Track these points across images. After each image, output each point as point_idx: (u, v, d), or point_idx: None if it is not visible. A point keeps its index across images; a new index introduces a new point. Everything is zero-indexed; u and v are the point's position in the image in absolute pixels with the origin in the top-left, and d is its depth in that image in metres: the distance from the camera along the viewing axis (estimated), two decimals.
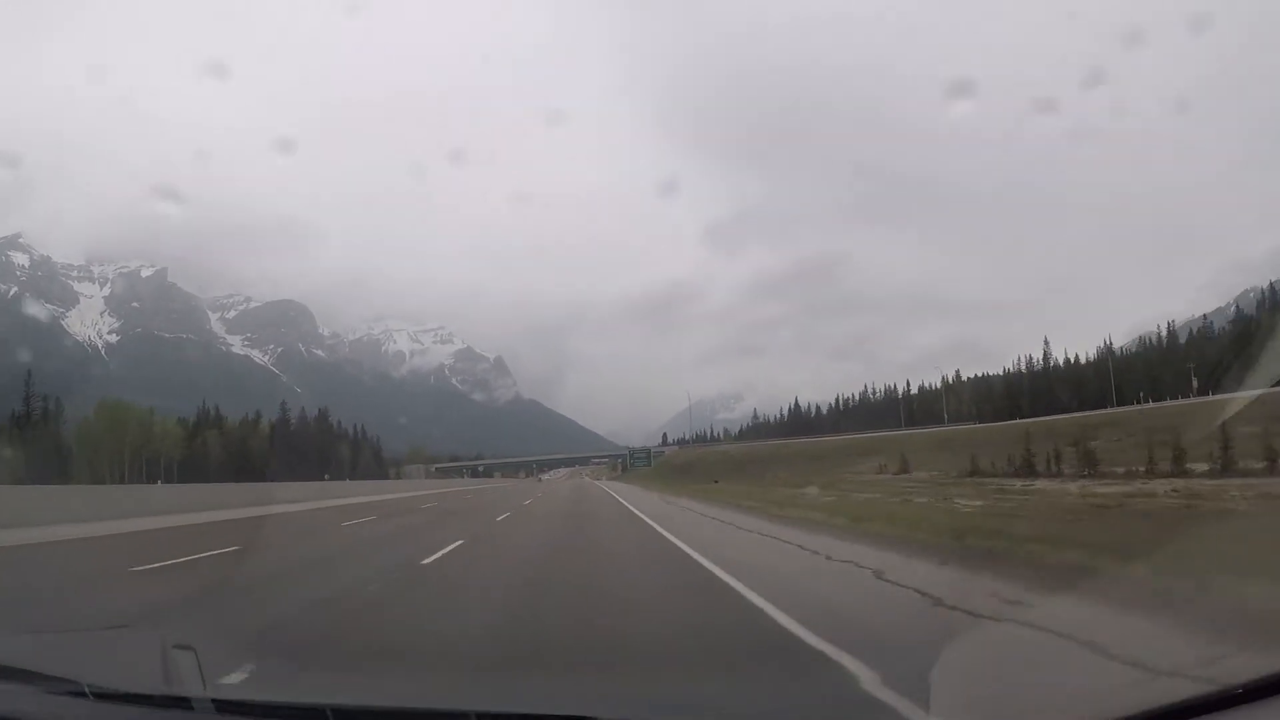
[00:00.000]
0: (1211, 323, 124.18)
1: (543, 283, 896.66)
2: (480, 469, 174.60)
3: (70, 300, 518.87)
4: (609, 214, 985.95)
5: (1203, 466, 32.08)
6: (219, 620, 7.70)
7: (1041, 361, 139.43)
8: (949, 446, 73.45)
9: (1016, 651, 5.55)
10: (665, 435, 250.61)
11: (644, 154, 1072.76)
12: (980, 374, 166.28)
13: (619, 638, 6.71)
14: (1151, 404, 77.67)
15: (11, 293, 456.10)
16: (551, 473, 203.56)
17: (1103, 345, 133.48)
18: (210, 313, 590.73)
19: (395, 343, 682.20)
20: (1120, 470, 35.28)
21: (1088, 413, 78.96)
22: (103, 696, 3.01)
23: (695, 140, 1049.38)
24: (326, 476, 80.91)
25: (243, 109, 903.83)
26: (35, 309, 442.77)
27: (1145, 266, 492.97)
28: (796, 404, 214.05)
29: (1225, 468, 29.78)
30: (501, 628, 7.16)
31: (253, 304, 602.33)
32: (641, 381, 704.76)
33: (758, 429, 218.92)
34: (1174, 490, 25.82)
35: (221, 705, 2.94)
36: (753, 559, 12.54)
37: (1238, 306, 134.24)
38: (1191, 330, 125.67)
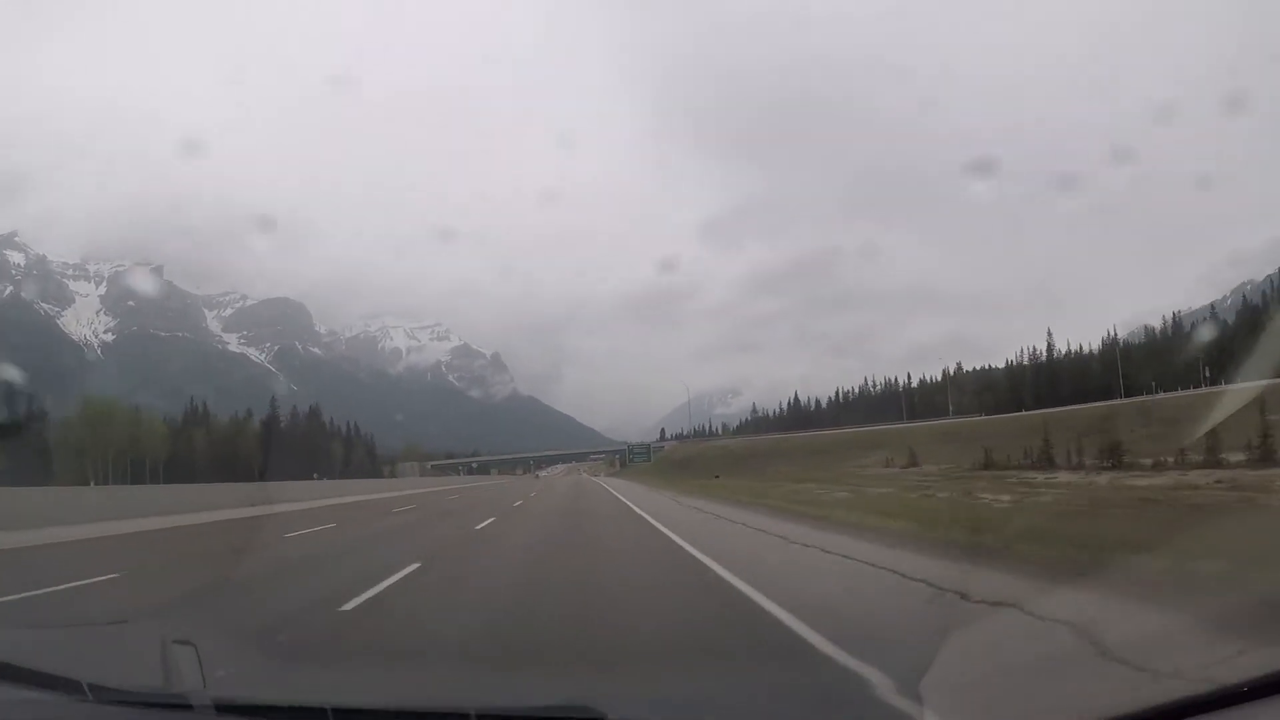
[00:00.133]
0: (1217, 313, 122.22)
1: (540, 279, 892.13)
2: (474, 466, 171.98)
3: (66, 299, 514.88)
4: (605, 210, 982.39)
5: (1238, 456, 30.35)
6: None
7: (1045, 353, 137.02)
8: (954, 439, 71.85)
9: None
10: (663, 430, 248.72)
11: (641, 149, 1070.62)
12: (978, 368, 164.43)
13: None
14: (1163, 394, 75.62)
15: (6, 292, 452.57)
16: (549, 469, 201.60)
17: (1106, 337, 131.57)
18: (206, 311, 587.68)
19: (392, 339, 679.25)
20: (1147, 462, 33.52)
21: (1098, 404, 76.91)
22: (102, 695, 3.00)
23: (692, 136, 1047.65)
24: (316, 475, 78.79)
25: (239, 105, 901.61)
26: (31, 308, 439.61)
27: (1139, 262, 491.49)
28: (796, 398, 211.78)
29: (1265, 457, 27.96)
30: None
31: (249, 302, 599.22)
32: (638, 377, 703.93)
33: (757, 423, 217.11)
34: (1218, 481, 24.01)
35: (221, 706, 2.88)
36: (790, 573, 10.45)
37: (1245, 296, 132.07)
38: (1197, 321, 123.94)
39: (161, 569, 13.79)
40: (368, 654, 6.29)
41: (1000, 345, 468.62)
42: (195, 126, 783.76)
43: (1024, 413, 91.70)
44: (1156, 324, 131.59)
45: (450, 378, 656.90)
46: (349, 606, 8.30)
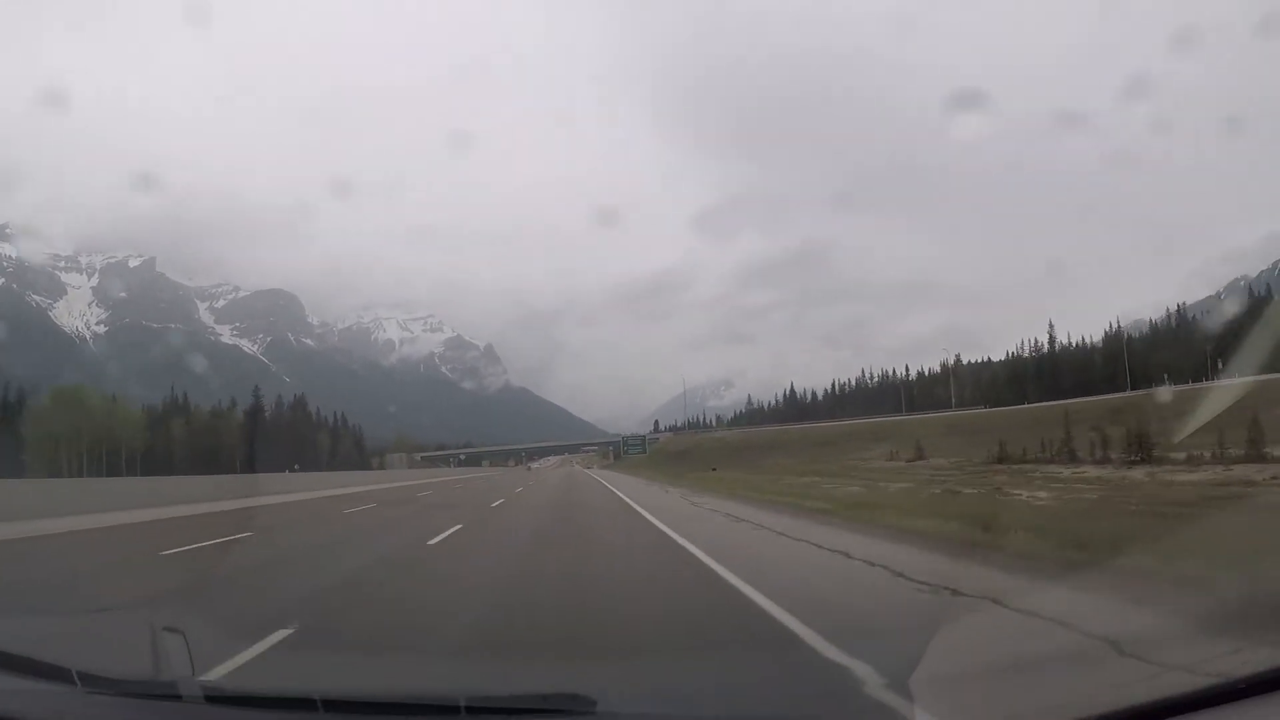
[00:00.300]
0: (1224, 304, 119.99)
1: (533, 271, 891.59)
2: (462, 458, 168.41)
3: (58, 291, 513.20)
4: (600, 202, 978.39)
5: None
6: None
7: (1048, 345, 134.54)
8: (957, 432, 69.64)
9: None
10: (657, 422, 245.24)
11: (636, 141, 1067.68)
12: (974, 360, 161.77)
13: None
14: (1175, 386, 73.20)
15: None
16: (541, 461, 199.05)
17: (1109, 329, 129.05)
18: (199, 302, 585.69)
19: (385, 331, 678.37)
20: (1180, 455, 31.24)
21: (1109, 395, 74.63)
22: (91, 684, 2.97)
23: (686, 128, 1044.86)
24: (296, 467, 76.09)
25: (233, 98, 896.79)
26: (22, 300, 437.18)
27: (1131, 257, 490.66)
28: (792, 389, 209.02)
29: None
30: None
31: (241, 293, 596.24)
32: (631, 370, 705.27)
33: (751, 415, 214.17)
34: (1274, 478, 21.71)
35: (211, 696, 2.85)
36: (847, 592, 7.96)
37: (1251, 289, 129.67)
38: (1202, 313, 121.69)
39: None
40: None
41: (992, 339, 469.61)
42: (190, 119, 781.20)
43: (1030, 405, 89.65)
44: (1152, 318, 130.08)
45: (443, 369, 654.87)
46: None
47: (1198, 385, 67.32)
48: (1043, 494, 20.80)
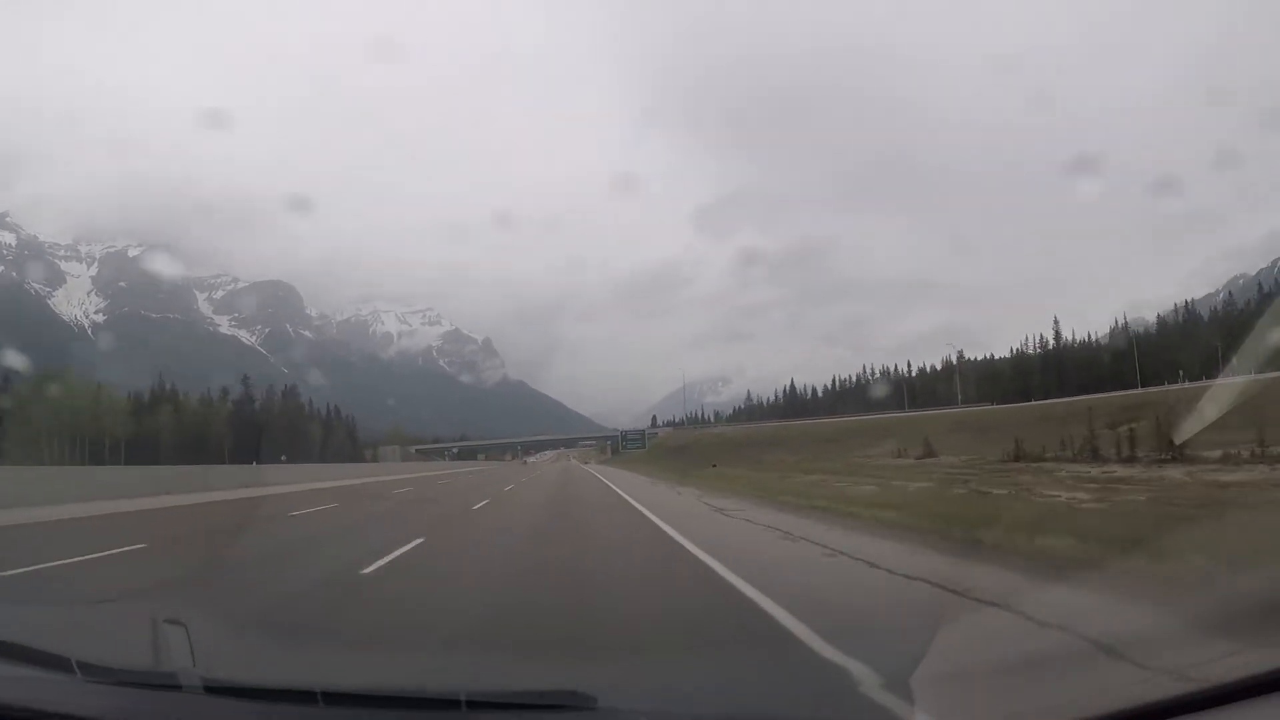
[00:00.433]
0: (1235, 300, 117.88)
1: (531, 265, 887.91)
2: (454, 451, 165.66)
3: (57, 279, 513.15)
4: (598, 197, 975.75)
5: None
6: None
7: (1053, 341, 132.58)
8: (964, 429, 67.66)
9: None
10: (654, 417, 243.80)
11: (637, 138, 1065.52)
12: (975, 357, 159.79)
13: None
14: (1190, 383, 71.21)
15: None
16: (538, 455, 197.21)
17: (1114, 325, 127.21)
18: (197, 293, 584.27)
19: (383, 324, 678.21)
20: (1214, 454, 29.26)
21: (1122, 392, 72.55)
22: (91, 673, 2.98)
23: (687, 124, 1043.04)
24: (283, 458, 74.04)
25: (232, 89, 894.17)
26: (21, 288, 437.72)
27: (1128, 256, 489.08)
28: (792, 385, 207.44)
29: None
30: None
31: (240, 284, 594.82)
32: (629, 365, 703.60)
33: (751, 411, 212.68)
34: None
35: (211, 687, 2.83)
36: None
37: (1260, 284, 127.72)
38: (1213, 308, 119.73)
39: None
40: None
41: (990, 336, 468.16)
42: (190, 110, 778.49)
43: (1038, 402, 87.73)
44: (1160, 314, 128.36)
45: (441, 362, 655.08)
46: None
47: (1221, 381, 65.30)
48: (1082, 495, 18.76)
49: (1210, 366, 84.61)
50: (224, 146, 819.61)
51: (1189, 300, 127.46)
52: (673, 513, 18.40)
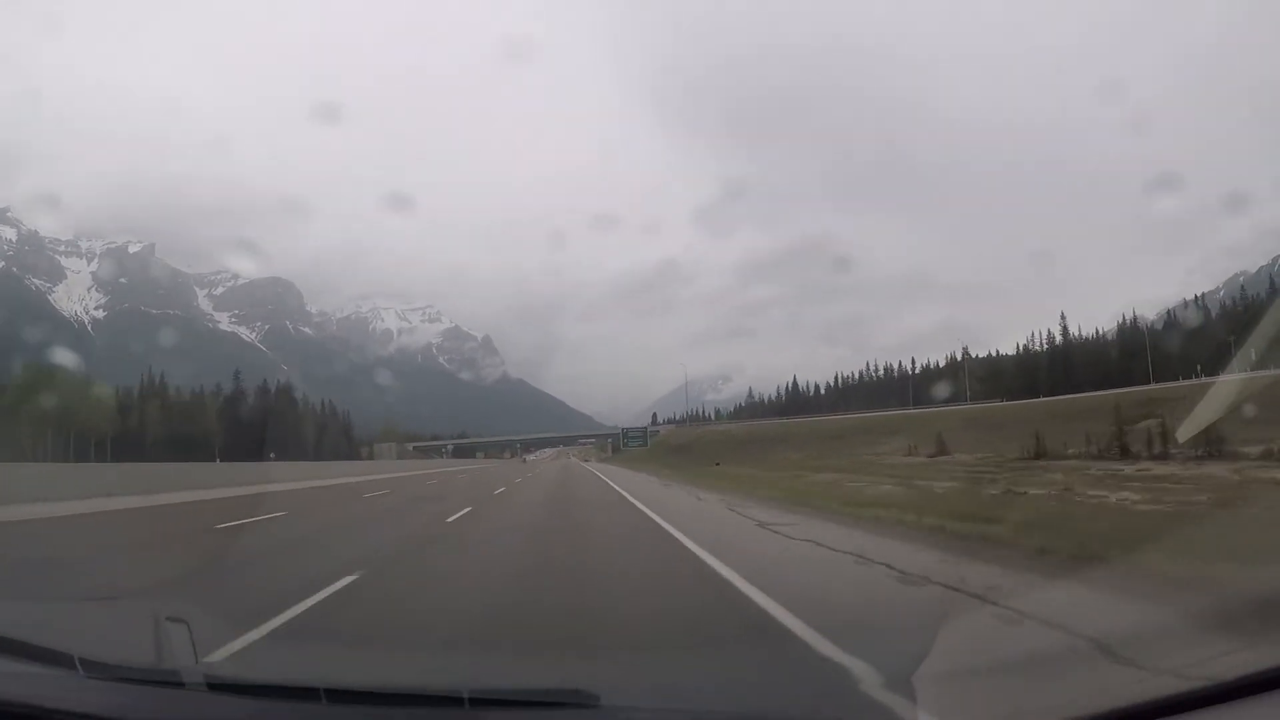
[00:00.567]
0: (1249, 293, 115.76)
1: (530, 263, 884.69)
2: (449, 448, 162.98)
3: (57, 275, 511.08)
4: (598, 195, 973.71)
5: None
6: None
7: (1061, 336, 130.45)
8: (975, 426, 65.72)
9: None
10: (655, 415, 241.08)
11: (638, 136, 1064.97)
12: (978, 354, 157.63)
13: None
14: (1207, 378, 69.14)
15: None
16: (537, 453, 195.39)
17: (1122, 321, 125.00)
18: (198, 289, 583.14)
19: (383, 321, 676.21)
20: (1253, 450, 27.41)
21: (1143, 387, 70.63)
22: (93, 670, 2.97)
23: (688, 123, 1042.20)
24: (272, 456, 72.20)
25: (234, 88, 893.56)
26: (22, 283, 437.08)
27: (1127, 254, 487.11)
28: (795, 382, 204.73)
29: None
30: None
31: (240, 281, 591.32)
32: (629, 363, 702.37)
33: (753, 408, 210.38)
34: None
35: (214, 684, 2.84)
36: None
37: (1272, 279, 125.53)
38: (1223, 303, 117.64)
39: None
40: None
41: (989, 334, 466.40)
42: (191, 107, 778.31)
43: (1051, 398, 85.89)
44: (1170, 309, 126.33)
45: (441, 360, 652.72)
46: None
47: (1247, 375, 63.29)
48: (1132, 496, 16.85)
49: (1225, 361, 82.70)
50: (225, 143, 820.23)
51: (1199, 295, 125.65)
52: (713, 534, 12.90)
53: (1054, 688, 3.55)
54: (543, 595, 8.10)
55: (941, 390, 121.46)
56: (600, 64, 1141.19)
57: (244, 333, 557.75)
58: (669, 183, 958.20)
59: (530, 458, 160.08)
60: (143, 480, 30.95)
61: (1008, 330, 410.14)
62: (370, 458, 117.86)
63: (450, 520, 17.43)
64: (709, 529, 14.00)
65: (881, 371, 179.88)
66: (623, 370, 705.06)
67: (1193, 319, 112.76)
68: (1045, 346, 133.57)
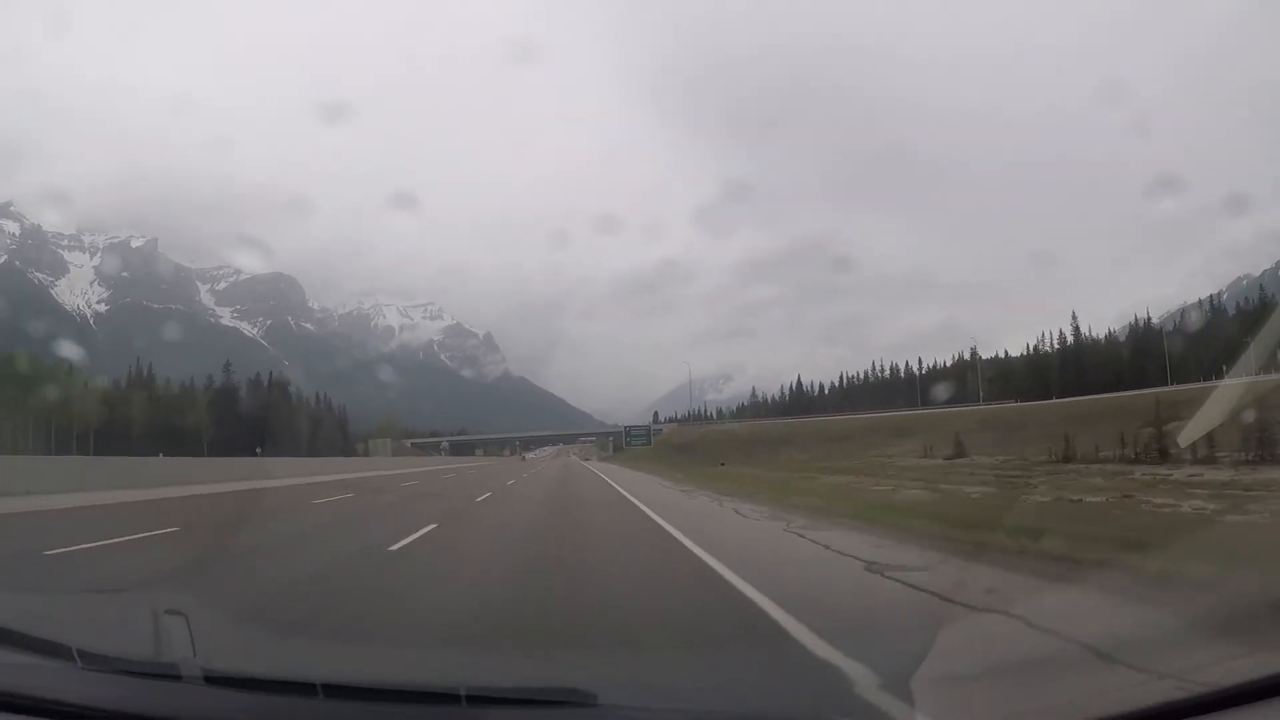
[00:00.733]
0: (1267, 294, 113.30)
1: (532, 260, 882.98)
2: (444, 445, 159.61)
3: (60, 269, 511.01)
4: (600, 194, 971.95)
5: None
6: None
7: (1073, 337, 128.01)
8: (990, 427, 63.58)
9: None
10: (656, 414, 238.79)
11: (639, 135, 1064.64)
12: (984, 355, 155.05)
13: None
14: (1232, 380, 66.87)
15: (1, 261, 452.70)
16: (537, 450, 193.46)
17: (1134, 322, 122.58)
18: (200, 284, 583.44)
19: (384, 317, 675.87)
20: None
21: (1169, 388, 68.40)
22: (91, 662, 2.99)
23: (686, 121, 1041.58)
24: (258, 450, 70.03)
25: (238, 85, 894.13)
26: (25, 277, 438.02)
27: (1132, 256, 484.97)
28: (799, 382, 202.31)
29: None
30: None
31: (242, 276, 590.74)
32: (630, 361, 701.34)
33: (756, 408, 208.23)
34: None
35: (211, 677, 2.82)
36: None
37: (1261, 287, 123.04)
38: (1238, 303, 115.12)
39: None
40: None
41: (990, 335, 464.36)
42: (195, 103, 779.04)
43: (1068, 399, 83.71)
44: (1184, 310, 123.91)
45: (442, 357, 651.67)
46: None
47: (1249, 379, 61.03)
48: (1209, 505, 14.64)
49: (1245, 364, 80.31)
50: (229, 140, 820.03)
51: (1215, 294, 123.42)
52: (758, 564, 9.25)
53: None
54: None
55: (952, 391, 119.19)
56: (601, 64, 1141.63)
57: (246, 328, 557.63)
58: (669, 182, 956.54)
59: (530, 455, 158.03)
60: (58, 477, 27.75)
61: (1008, 331, 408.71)
62: (366, 454, 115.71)
63: (391, 550, 11.22)
64: (756, 556, 10.25)
65: (887, 372, 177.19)
66: (623, 369, 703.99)
67: (1205, 321, 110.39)
68: (1056, 347, 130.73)
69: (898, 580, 7.51)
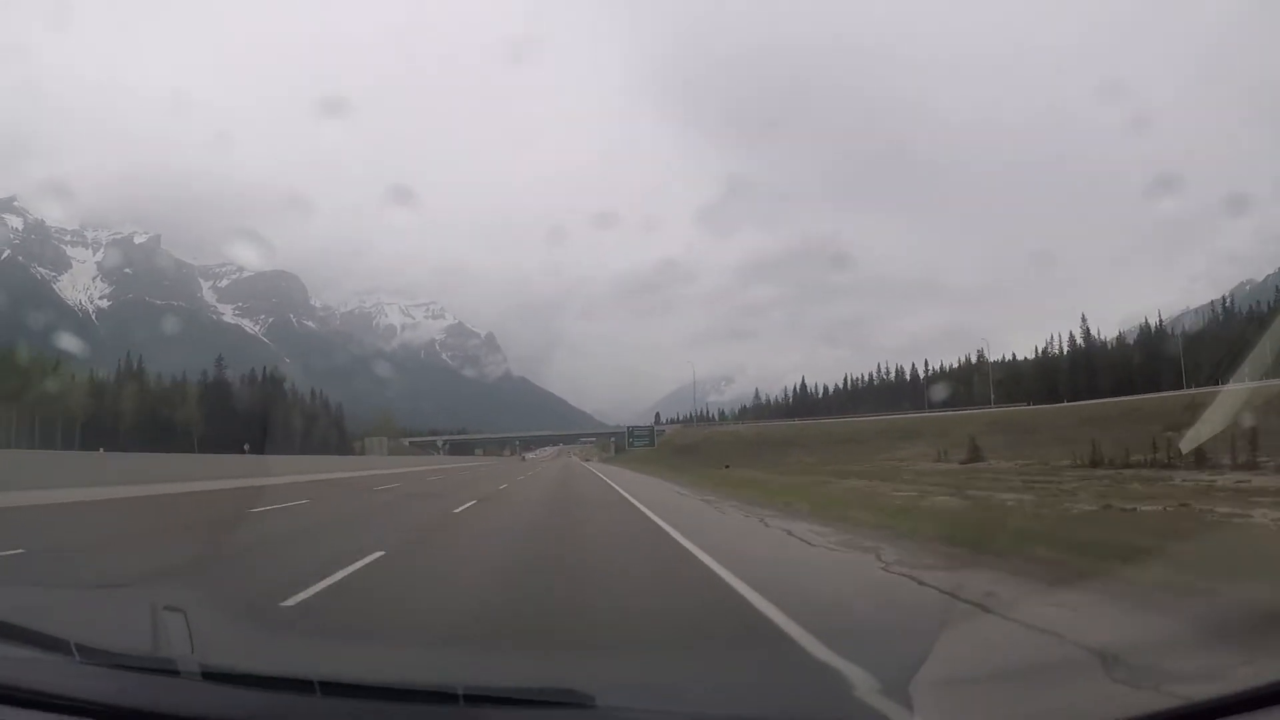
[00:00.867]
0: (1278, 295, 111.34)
1: (533, 260, 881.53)
2: (439, 444, 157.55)
3: (63, 265, 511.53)
4: (601, 195, 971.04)
5: None
6: None
7: (1083, 340, 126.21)
8: (1001, 429, 61.79)
9: None
10: (658, 415, 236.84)
11: (640, 135, 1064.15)
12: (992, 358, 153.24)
13: None
14: (1253, 383, 65.10)
15: (3, 255, 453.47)
16: (537, 451, 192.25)
17: (1146, 325, 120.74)
18: (202, 281, 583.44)
19: (386, 316, 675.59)
20: None
21: (1192, 390, 66.58)
22: (89, 656, 3.00)
23: (687, 121, 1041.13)
24: (246, 448, 68.14)
25: (240, 84, 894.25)
26: (27, 272, 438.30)
27: (1133, 258, 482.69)
28: (803, 384, 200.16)
29: None
30: None
31: (245, 273, 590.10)
32: (631, 362, 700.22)
33: (759, 409, 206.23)
34: None
35: (209, 673, 2.83)
36: None
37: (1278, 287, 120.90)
38: (1251, 306, 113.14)
39: None
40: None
41: (993, 337, 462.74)
42: (198, 101, 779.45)
43: (1084, 402, 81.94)
44: (1196, 312, 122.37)
45: (444, 356, 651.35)
46: None
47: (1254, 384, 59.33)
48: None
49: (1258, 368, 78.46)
50: (232, 137, 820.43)
51: (1225, 296, 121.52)
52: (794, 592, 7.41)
53: None
54: None
55: (959, 393, 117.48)
56: (601, 63, 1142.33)
57: (248, 325, 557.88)
58: (670, 182, 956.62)
59: (530, 456, 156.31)
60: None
61: (1009, 332, 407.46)
62: (362, 452, 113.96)
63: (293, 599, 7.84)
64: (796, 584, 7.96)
65: (892, 374, 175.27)
66: (623, 369, 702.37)
67: (1218, 324, 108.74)
68: (1065, 350, 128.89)
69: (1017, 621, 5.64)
